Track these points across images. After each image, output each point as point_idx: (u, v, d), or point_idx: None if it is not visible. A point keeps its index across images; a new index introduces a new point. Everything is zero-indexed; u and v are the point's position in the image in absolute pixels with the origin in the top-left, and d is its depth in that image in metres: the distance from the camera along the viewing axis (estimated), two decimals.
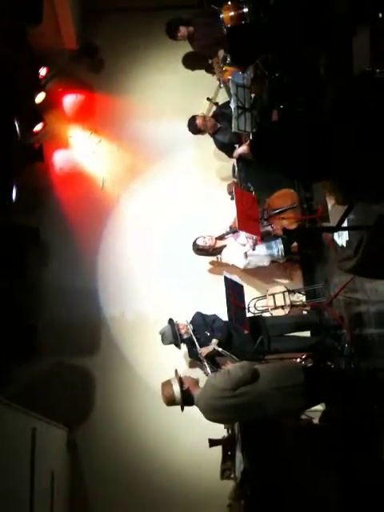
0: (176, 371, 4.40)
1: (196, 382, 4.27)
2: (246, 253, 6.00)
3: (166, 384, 4.27)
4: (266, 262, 6.08)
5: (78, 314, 6.42)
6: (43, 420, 5.14)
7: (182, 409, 4.27)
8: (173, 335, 5.60)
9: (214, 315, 5.78)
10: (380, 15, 2.94)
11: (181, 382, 4.20)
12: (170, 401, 4.22)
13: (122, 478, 5.91)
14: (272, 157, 2.65)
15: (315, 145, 2.49)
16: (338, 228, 3.26)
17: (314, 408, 4.63)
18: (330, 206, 3.90)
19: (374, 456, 4.23)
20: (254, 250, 5.93)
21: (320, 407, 4.81)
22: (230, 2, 6.31)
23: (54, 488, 5.16)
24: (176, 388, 4.17)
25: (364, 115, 2.41)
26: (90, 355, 6.31)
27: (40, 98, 6.82)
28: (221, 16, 6.42)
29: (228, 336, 5.56)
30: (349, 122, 2.46)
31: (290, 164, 2.60)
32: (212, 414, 4.20)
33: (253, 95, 6.06)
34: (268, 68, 5.67)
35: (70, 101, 7.33)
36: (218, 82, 6.69)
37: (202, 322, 5.67)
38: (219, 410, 4.14)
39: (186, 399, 4.18)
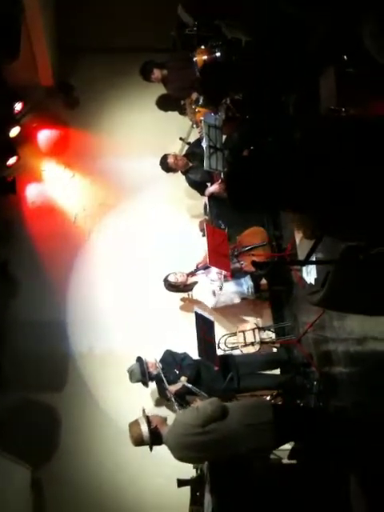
0: (143, 410, 4.32)
1: (164, 420, 4.21)
2: (213, 291, 6.00)
3: (134, 424, 4.19)
4: (236, 300, 6.10)
5: (45, 348, 6.29)
6: (5, 457, 4.97)
7: (151, 448, 4.19)
8: (141, 373, 5.54)
9: (184, 353, 5.75)
10: (345, 57, 3.09)
11: (148, 420, 4.13)
12: (139, 441, 4.15)
13: None
14: (246, 188, 2.71)
15: (285, 178, 2.57)
16: (306, 262, 3.32)
17: (282, 447, 4.59)
18: (297, 241, 3.97)
19: (342, 495, 4.19)
20: (221, 289, 5.94)
21: (288, 446, 4.77)
22: (203, 46, 6.50)
23: None
24: (144, 427, 4.10)
25: (331, 152, 2.49)
26: (56, 391, 6.16)
27: (14, 132, 6.85)
28: (194, 59, 6.59)
29: (197, 374, 5.52)
30: (317, 160, 2.54)
31: (263, 193, 2.66)
32: (181, 451, 4.13)
33: (224, 136, 6.21)
34: (239, 109, 5.84)
35: (44, 135, 7.39)
36: (190, 123, 6.85)
37: (172, 360, 5.63)
38: (188, 448, 4.08)
39: (155, 438, 4.11)
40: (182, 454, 4.15)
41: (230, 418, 4.02)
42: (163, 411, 5.93)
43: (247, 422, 4.00)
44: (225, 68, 5.00)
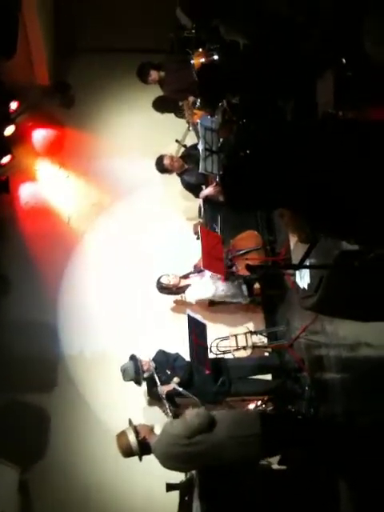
0: (130, 421, 4.32)
1: (151, 429, 4.21)
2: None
3: (121, 435, 4.18)
4: (234, 299, 6.06)
5: (35, 349, 6.25)
6: None
7: (140, 459, 4.19)
8: (135, 371, 5.50)
9: (177, 354, 5.72)
10: (343, 61, 3.09)
11: (136, 431, 4.13)
12: (128, 452, 4.15)
13: None
14: (243, 187, 2.69)
15: (282, 178, 2.56)
16: (300, 266, 3.30)
17: None
18: (292, 245, 3.96)
19: (332, 501, 4.17)
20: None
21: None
22: (201, 49, 6.48)
23: None
24: (132, 438, 4.10)
25: (328, 154, 2.48)
26: (46, 392, 6.11)
27: (9, 130, 6.82)
28: (192, 62, 6.58)
29: (189, 375, 5.49)
30: (314, 160, 2.53)
31: (259, 193, 2.65)
32: (167, 461, 4.14)
33: (221, 139, 6.20)
34: (236, 113, 5.82)
35: (39, 135, 7.36)
36: (187, 125, 6.84)
37: (164, 360, 5.61)
38: (175, 458, 4.10)
39: (144, 449, 4.12)
40: (168, 464, 4.17)
41: (217, 429, 4.03)
42: (154, 412, 5.90)
43: (234, 435, 4.01)
44: (222, 71, 5.00)
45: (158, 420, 5.82)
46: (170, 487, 5.09)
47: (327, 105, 3.18)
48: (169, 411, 5.24)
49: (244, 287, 5.99)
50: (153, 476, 5.35)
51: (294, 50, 3.68)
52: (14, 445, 5.68)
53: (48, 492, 5.77)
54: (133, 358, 5.59)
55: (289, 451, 4.50)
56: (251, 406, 5.65)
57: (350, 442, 4.18)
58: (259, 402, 5.64)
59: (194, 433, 3.96)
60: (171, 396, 5.37)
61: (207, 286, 6.00)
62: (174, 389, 5.34)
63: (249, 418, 4.21)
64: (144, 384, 5.64)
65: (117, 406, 5.98)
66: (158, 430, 4.22)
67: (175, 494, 5.08)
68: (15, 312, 6.45)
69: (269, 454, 4.29)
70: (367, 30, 2.99)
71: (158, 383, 5.40)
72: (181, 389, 5.33)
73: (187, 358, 5.53)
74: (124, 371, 5.57)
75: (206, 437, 3.97)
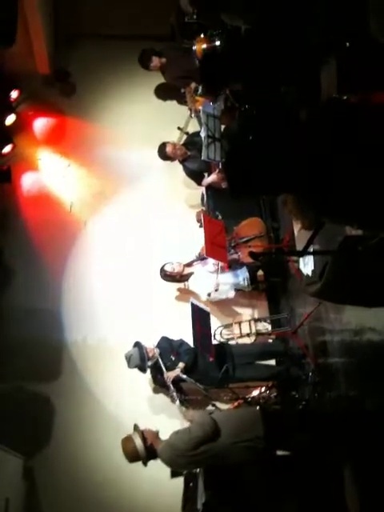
0: (136, 426, 4.33)
1: (156, 434, 4.26)
2: (209, 293, 5.95)
3: (127, 440, 4.23)
4: (230, 294, 6.06)
5: (39, 337, 6.27)
6: None
7: (145, 464, 4.24)
8: (140, 358, 5.52)
9: (181, 340, 5.73)
10: (347, 44, 3.06)
11: (143, 436, 4.17)
12: (134, 457, 4.20)
13: (80, 507, 5.70)
14: (245, 172, 2.68)
15: (285, 162, 2.55)
16: (304, 252, 3.29)
17: None
18: (296, 232, 3.95)
19: (335, 486, 4.20)
20: (216, 291, 5.88)
21: None
22: (202, 35, 6.43)
23: None
24: (139, 443, 4.14)
25: (335, 136, 2.47)
26: (50, 380, 6.13)
27: (10, 120, 6.80)
28: (193, 48, 6.53)
29: (194, 361, 5.50)
30: (318, 145, 2.52)
31: (262, 177, 2.64)
32: (174, 466, 4.33)
33: (223, 126, 6.17)
34: (238, 99, 5.78)
35: (40, 124, 7.33)
36: (189, 112, 6.80)
37: (168, 347, 5.62)
38: (182, 466, 4.31)
39: (150, 454, 4.18)
40: (174, 467, 4.35)
41: (222, 435, 4.09)
42: (159, 399, 5.93)
43: (238, 439, 4.08)
44: (224, 58, 4.95)
45: (163, 408, 5.90)
46: (174, 473, 5.14)
47: (331, 89, 3.16)
48: (175, 397, 5.26)
49: (246, 275, 5.98)
50: (158, 463, 5.40)
51: (297, 33, 3.65)
52: (18, 433, 5.70)
53: (52, 479, 5.81)
54: (137, 345, 5.60)
55: (293, 437, 4.53)
56: (255, 392, 5.68)
57: (354, 426, 4.20)
58: (263, 388, 5.66)
59: (198, 444, 4.05)
60: (177, 382, 5.39)
61: (203, 291, 6.00)
62: (179, 375, 5.36)
63: (250, 420, 4.24)
64: (149, 371, 5.66)
65: (121, 393, 6.02)
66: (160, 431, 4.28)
67: (180, 480, 5.13)
68: (19, 301, 6.47)
69: (274, 449, 4.33)
70: (372, 12, 2.95)
71: (164, 369, 5.41)
72: (185, 376, 5.35)
73: (191, 344, 5.54)
74: (129, 358, 5.58)
75: (210, 446, 4.07)
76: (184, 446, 4.07)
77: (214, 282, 5.85)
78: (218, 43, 6.34)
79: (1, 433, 5.39)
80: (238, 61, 4.44)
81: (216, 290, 5.87)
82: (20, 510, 5.50)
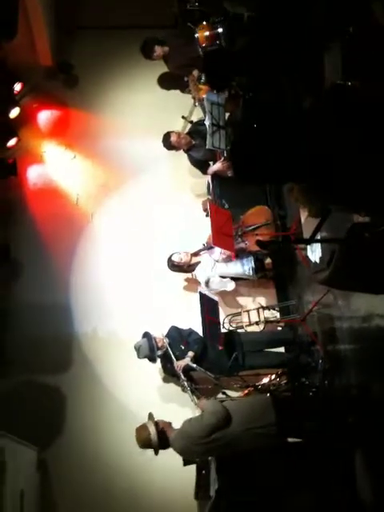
0: (150, 415, 4.42)
1: (169, 424, 4.33)
2: (207, 281, 5.95)
3: (142, 428, 4.32)
4: (228, 287, 6.05)
5: (49, 330, 6.30)
6: (11, 439, 5.00)
7: (157, 452, 4.31)
8: (149, 348, 5.53)
9: (190, 329, 5.73)
10: (351, 29, 3.02)
11: (157, 425, 4.25)
12: (146, 444, 4.28)
13: (94, 497, 5.74)
14: (251, 160, 2.67)
15: (291, 149, 2.53)
16: (312, 240, 3.28)
17: None
18: (303, 220, 3.94)
19: (348, 472, 4.21)
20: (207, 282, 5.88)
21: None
22: (204, 22, 6.38)
23: (23, 507, 5.06)
24: (153, 431, 4.22)
25: (339, 123, 2.45)
26: (61, 372, 6.17)
27: (14, 113, 6.81)
28: (196, 36, 6.48)
29: (204, 349, 5.53)
30: (325, 130, 2.50)
31: (268, 164, 2.63)
32: (186, 454, 4.43)
33: (227, 114, 6.14)
34: (242, 88, 5.75)
35: (44, 116, 7.32)
36: (192, 101, 6.76)
37: (178, 336, 5.63)
38: (194, 454, 4.39)
39: (162, 442, 4.25)
40: (189, 457, 4.50)
41: (233, 423, 4.14)
42: (169, 389, 5.96)
43: (250, 427, 4.12)
44: (227, 54, 4.93)
45: (173, 397, 5.92)
46: (187, 461, 5.17)
47: (335, 75, 3.13)
48: (186, 386, 5.28)
49: (251, 265, 5.97)
50: (170, 451, 5.44)
51: (299, 19, 3.61)
52: (31, 425, 5.75)
53: (66, 471, 5.86)
54: (146, 335, 5.61)
55: (304, 424, 4.54)
56: (265, 380, 5.69)
57: (365, 412, 4.21)
58: (273, 376, 5.68)
59: (211, 431, 4.10)
60: (187, 371, 5.41)
61: (203, 276, 5.99)
62: (188, 364, 5.38)
63: (262, 407, 4.29)
64: (159, 361, 5.68)
65: (132, 383, 6.05)
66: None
67: (192, 468, 5.17)
68: (28, 294, 6.49)
69: (286, 436, 4.36)
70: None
71: (173, 358, 5.43)
72: (195, 365, 5.37)
73: (200, 332, 5.56)
74: (138, 349, 5.60)
75: (223, 433, 4.11)
76: (197, 433, 4.12)
77: (214, 272, 5.86)
78: (220, 30, 6.31)
79: (15, 425, 5.43)
80: (241, 53, 4.41)
81: (206, 284, 5.87)
82: (34, 502, 5.55)
